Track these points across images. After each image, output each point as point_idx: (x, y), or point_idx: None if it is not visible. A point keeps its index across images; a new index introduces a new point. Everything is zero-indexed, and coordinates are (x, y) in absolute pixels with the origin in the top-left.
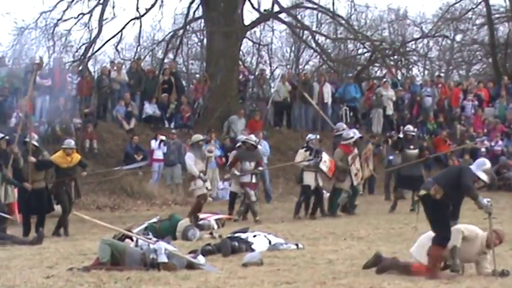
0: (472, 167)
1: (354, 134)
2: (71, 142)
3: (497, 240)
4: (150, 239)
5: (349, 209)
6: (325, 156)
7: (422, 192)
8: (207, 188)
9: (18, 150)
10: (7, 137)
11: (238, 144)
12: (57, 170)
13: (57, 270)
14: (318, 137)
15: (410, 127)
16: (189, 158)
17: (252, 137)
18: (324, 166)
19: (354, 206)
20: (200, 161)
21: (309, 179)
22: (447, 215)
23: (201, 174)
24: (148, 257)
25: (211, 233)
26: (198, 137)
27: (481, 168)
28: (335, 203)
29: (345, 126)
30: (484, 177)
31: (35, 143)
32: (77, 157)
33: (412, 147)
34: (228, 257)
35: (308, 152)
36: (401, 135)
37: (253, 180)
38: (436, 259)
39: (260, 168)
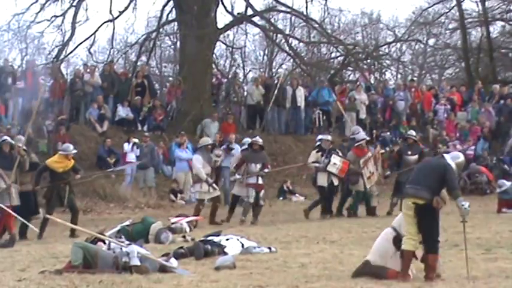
0: (447, 157)
1: (359, 135)
2: (69, 147)
3: None
4: (123, 242)
5: (351, 212)
6: (334, 158)
7: (419, 201)
8: (212, 191)
9: (24, 152)
10: (10, 140)
11: (244, 147)
12: (52, 174)
13: (29, 274)
14: (329, 137)
15: (413, 132)
16: (197, 160)
17: (258, 139)
18: (333, 168)
19: (357, 209)
20: (207, 164)
21: (322, 179)
22: (438, 222)
23: (208, 178)
24: (121, 260)
25: (183, 236)
26: (206, 140)
27: (455, 160)
28: (354, 204)
29: (360, 129)
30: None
31: (22, 145)
32: (71, 162)
33: (410, 152)
34: (200, 260)
35: (320, 153)
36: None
37: (260, 182)
38: (435, 268)
39: (266, 170)
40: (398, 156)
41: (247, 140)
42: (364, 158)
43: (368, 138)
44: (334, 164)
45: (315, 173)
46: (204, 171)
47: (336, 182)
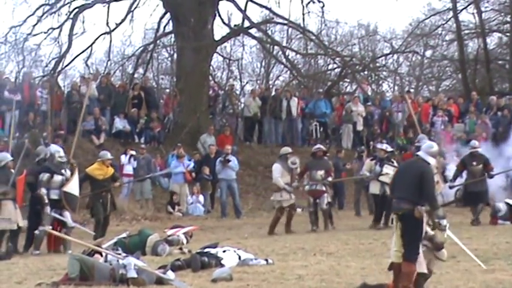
0: (420, 153)
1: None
2: (107, 153)
3: None
4: (120, 254)
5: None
6: (386, 168)
7: (400, 212)
8: (291, 198)
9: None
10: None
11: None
12: (93, 182)
13: (26, 286)
14: (385, 147)
15: (476, 142)
16: (276, 169)
17: (322, 146)
18: (385, 178)
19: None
20: (286, 172)
21: (374, 188)
22: (422, 231)
23: (286, 186)
24: (118, 272)
25: (180, 248)
26: (286, 149)
27: (429, 151)
28: None
29: (426, 138)
30: (431, 161)
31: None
32: (111, 169)
33: (475, 163)
34: (197, 273)
35: (374, 162)
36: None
37: (318, 188)
38: (412, 275)
39: (329, 178)
40: (462, 167)
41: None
42: None
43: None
44: (387, 174)
45: (367, 181)
46: (283, 180)
47: (388, 191)
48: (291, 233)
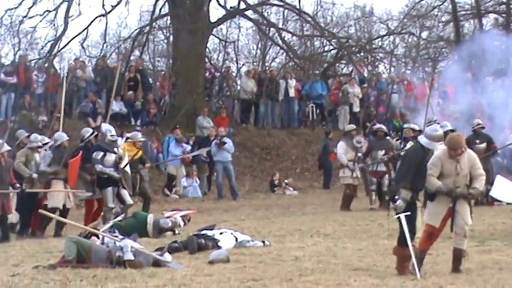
0: (420, 137)
1: (444, 126)
2: (137, 135)
3: None
4: (116, 236)
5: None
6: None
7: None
8: (355, 177)
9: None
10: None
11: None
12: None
13: (22, 268)
14: (412, 126)
15: (478, 121)
16: (341, 147)
17: (382, 126)
18: None
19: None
20: (350, 149)
21: None
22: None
23: (349, 163)
24: (115, 254)
25: (173, 231)
26: (351, 126)
27: (432, 135)
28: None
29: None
30: (436, 146)
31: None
32: (140, 152)
33: (478, 141)
34: (194, 254)
35: (399, 141)
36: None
37: (379, 169)
38: (405, 259)
39: (386, 156)
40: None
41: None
42: None
43: (446, 129)
44: None
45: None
46: (347, 156)
47: None
48: (349, 211)
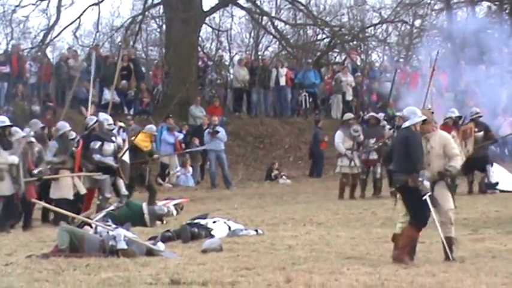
0: (406, 123)
1: (452, 113)
2: (153, 127)
3: None
4: (109, 225)
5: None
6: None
7: (397, 185)
8: (353, 166)
9: None
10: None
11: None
12: (136, 153)
13: (15, 258)
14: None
15: (477, 109)
16: (338, 136)
17: (373, 114)
18: None
19: None
20: (348, 138)
21: None
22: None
23: (347, 152)
24: (108, 243)
25: (161, 220)
26: (349, 115)
27: (413, 116)
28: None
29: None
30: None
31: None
32: (151, 144)
33: (476, 130)
34: (187, 243)
35: (392, 130)
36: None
37: (370, 157)
38: (410, 240)
39: (378, 143)
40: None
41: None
42: (450, 135)
43: (454, 116)
44: None
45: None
46: (344, 145)
47: None
48: (353, 199)
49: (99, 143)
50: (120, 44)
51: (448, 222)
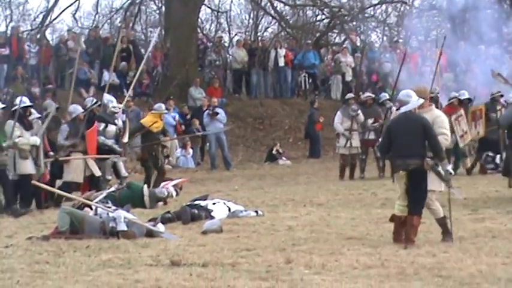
0: (406, 107)
1: (462, 95)
2: (161, 106)
3: None
4: (110, 207)
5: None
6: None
7: (412, 166)
8: (349, 146)
9: None
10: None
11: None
12: (147, 134)
13: (16, 240)
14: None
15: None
16: (337, 116)
17: (370, 94)
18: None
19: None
20: (347, 119)
21: None
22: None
23: (345, 132)
24: (108, 225)
25: (165, 202)
26: (349, 95)
27: (416, 100)
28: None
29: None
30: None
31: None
32: (161, 123)
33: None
34: (187, 225)
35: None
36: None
37: (366, 137)
38: (417, 228)
39: (376, 124)
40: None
41: (366, 95)
42: (456, 114)
43: (460, 97)
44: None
45: None
46: (343, 126)
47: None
48: (352, 179)
49: (103, 125)
50: (121, 25)
51: (428, 205)
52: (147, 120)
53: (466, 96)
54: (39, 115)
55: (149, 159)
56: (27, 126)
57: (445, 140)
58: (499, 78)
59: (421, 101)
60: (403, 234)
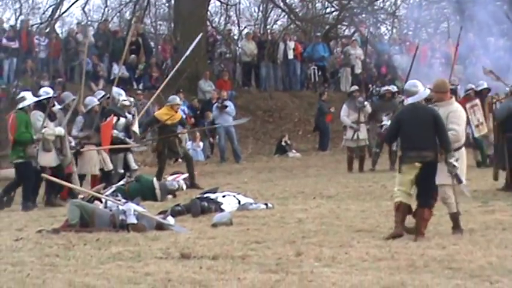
0: (414, 98)
1: (480, 85)
2: (176, 98)
3: None
4: (119, 200)
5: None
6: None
7: (429, 159)
8: (356, 139)
9: None
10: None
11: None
12: (161, 126)
13: (26, 233)
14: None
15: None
16: (343, 110)
17: (389, 88)
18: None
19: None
20: (353, 111)
21: None
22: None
23: (353, 124)
24: (118, 218)
25: (174, 195)
26: (354, 87)
27: (424, 92)
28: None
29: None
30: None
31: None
32: (179, 114)
33: None
34: (197, 218)
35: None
36: None
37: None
38: (427, 222)
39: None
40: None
41: (383, 89)
42: (471, 103)
43: (476, 88)
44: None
45: None
46: (350, 118)
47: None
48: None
49: (115, 118)
50: (133, 18)
51: (443, 200)
52: (161, 112)
53: (484, 86)
54: (60, 106)
55: (164, 152)
56: (52, 117)
57: (452, 135)
58: (491, 76)
59: (428, 91)
60: (404, 224)
